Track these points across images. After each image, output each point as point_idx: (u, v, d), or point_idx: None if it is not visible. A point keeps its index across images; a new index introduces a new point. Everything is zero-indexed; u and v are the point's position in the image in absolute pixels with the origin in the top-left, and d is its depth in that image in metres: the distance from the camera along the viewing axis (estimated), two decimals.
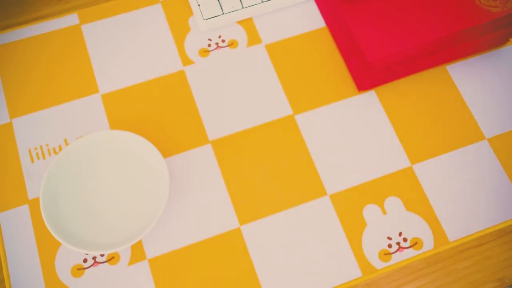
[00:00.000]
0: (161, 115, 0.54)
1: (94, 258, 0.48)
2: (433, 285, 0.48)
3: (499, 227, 0.51)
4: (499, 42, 0.56)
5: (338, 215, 0.51)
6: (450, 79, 0.57)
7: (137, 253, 0.49)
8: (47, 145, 0.52)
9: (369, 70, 0.50)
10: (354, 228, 0.50)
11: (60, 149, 0.52)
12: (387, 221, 0.51)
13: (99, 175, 0.50)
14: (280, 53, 0.57)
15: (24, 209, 0.50)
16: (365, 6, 0.51)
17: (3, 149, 0.52)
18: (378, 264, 0.49)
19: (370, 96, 0.55)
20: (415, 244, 0.50)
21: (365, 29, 0.50)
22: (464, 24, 0.50)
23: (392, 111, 0.55)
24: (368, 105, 0.55)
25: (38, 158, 0.52)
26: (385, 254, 0.49)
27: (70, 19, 0.58)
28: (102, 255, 0.49)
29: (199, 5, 0.57)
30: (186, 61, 0.56)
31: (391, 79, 0.54)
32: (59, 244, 0.49)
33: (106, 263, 0.48)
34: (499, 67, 0.57)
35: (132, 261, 0.48)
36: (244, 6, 0.57)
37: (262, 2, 0.57)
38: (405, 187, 0.52)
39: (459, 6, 0.50)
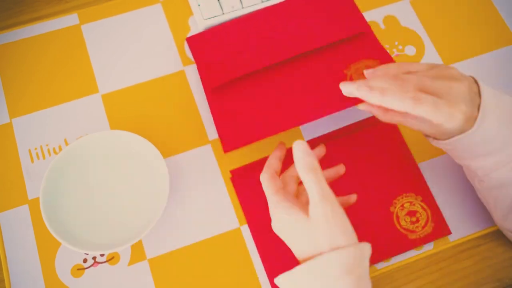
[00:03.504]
0: (161, 115, 0.54)
1: (94, 258, 0.48)
2: (433, 285, 0.48)
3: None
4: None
5: None
6: None
7: (137, 253, 0.49)
8: (47, 145, 0.52)
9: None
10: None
11: (60, 149, 0.52)
12: None
13: (99, 175, 0.50)
14: None
15: (24, 209, 0.50)
16: (230, 95, 0.51)
17: (3, 149, 0.52)
18: (378, 264, 0.49)
19: None
20: None
21: (225, 121, 0.50)
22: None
23: None
24: None
25: (38, 158, 0.52)
26: None
27: (70, 19, 0.58)
28: (102, 255, 0.48)
29: (199, 5, 0.57)
30: (186, 61, 0.56)
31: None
32: (59, 244, 0.49)
33: (106, 263, 0.48)
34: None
35: (132, 261, 0.48)
36: (244, 6, 0.57)
37: (262, 2, 0.57)
38: None
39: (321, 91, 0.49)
